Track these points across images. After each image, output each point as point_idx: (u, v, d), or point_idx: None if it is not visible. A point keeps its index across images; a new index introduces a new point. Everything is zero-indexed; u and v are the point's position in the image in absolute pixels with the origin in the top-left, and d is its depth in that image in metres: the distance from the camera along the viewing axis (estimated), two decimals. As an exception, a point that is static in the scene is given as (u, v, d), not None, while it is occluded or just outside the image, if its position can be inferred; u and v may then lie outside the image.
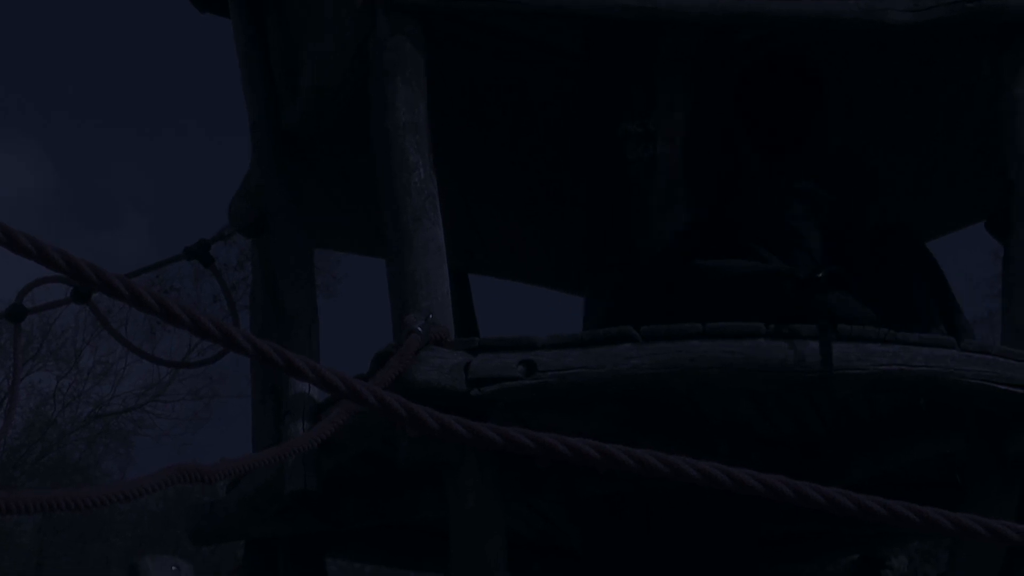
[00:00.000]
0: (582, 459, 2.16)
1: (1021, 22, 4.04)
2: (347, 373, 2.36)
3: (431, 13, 3.94)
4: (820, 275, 3.79)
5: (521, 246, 5.29)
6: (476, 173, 4.97)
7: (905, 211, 4.81)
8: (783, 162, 4.21)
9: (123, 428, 22.17)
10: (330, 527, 4.33)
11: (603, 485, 4.02)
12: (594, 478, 3.97)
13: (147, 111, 33.95)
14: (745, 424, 4.02)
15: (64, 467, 20.96)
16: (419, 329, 3.58)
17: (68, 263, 2.02)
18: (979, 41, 4.19)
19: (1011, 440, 3.78)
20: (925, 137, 4.70)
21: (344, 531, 4.46)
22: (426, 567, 4.75)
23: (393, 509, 4.24)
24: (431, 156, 3.87)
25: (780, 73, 4.27)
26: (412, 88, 3.88)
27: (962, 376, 3.73)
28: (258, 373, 4.53)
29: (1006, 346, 3.85)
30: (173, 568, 4.36)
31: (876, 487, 3.13)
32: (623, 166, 4.37)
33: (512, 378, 3.62)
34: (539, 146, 4.95)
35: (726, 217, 4.17)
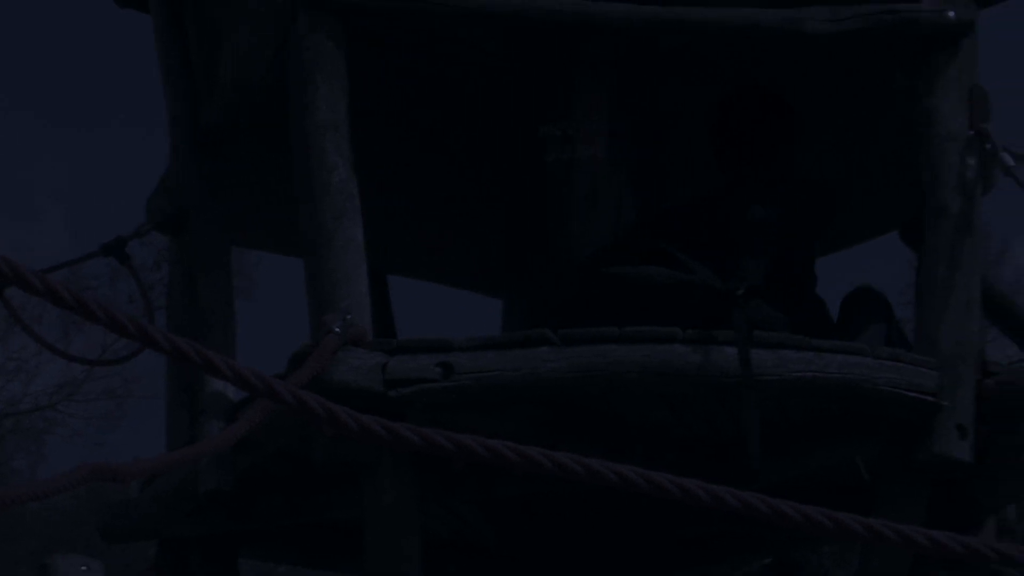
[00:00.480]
0: (500, 461, 2.17)
1: (935, 34, 4.10)
2: (265, 372, 2.35)
3: (352, 11, 3.94)
4: (739, 291, 3.83)
5: (441, 247, 5.29)
6: (396, 173, 4.97)
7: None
8: (744, 182, 4.27)
9: (35, 427, 21.90)
10: (244, 527, 4.31)
11: (520, 486, 4.03)
12: (511, 479, 3.98)
13: (67, 103, 33.59)
14: (661, 427, 4.05)
15: (-27, 465, 20.67)
16: (337, 329, 3.58)
17: (-17, 258, 1.99)
18: (895, 52, 4.24)
19: (920, 446, 3.83)
20: (843, 146, 4.75)
21: (258, 531, 4.44)
22: (341, 567, 4.73)
23: (308, 508, 4.23)
24: (351, 155, 3.86)
25: (758, 102, 4.34)
26: (332, 87, 3.88)
27: (875, 383, 3.78)
28: (173, 372, 4.51)
29: (917, 354, 3.90)
30: (83, 568, 4.32)
31: (790, 490, 3.17)
32: (543, 169, 4.38)
33: (429, 380, 3.63)
34: (460, 147, 4.96)
35: (665, 226, 4.25)
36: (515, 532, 4.34)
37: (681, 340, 3.69)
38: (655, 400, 3.90)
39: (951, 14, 4.07)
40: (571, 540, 4.23)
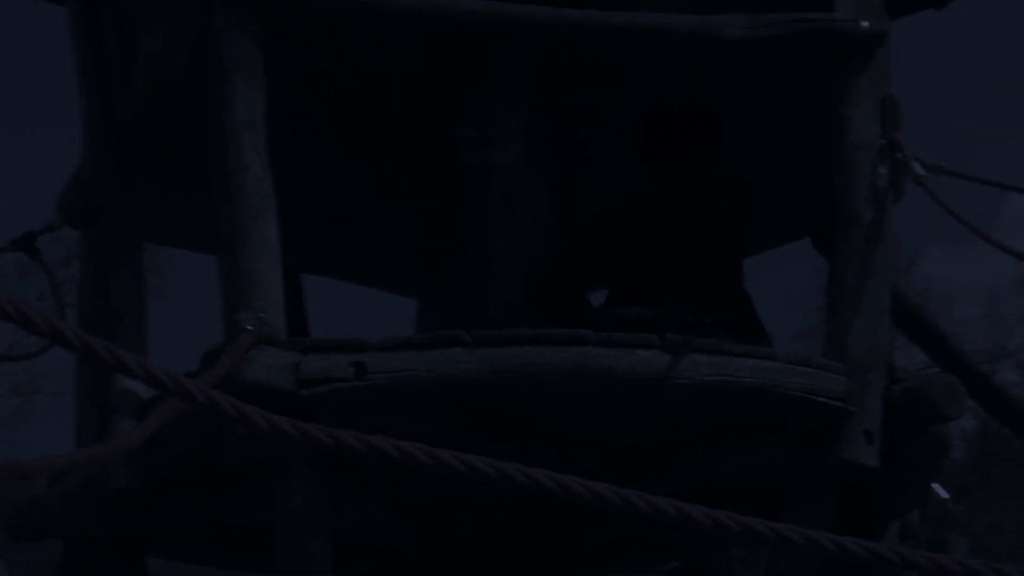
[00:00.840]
0: (412, 463, 2.17)
1: (851, 43, 4.15)
2: (177, 371, 2.34)
3: (270, 8, 3.92)
4: (707, 320, 3.87)
5: (356, 247, 5.28)
6: (312, 172, 4.95)
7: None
8: (672, 185, 4.32)
9: (-61, 423, 21.56)
10: (153, 526, 4.28)
11: (433, 487, 4.04)
12: (423, 480, 3.98)
13: (-26, 97, 33.09)
14: (574, 429, 4.07)
15: None
16: (250, 328, 3.56)
17: None
18: (809, 61, 4.29)
19: (828, 451, 3.87)
20: (757, 153, 4.80)
21: (167, 530, 4.41)
22: (251, 568, 4.71)
23: (219, 508, 4.20)
24: (268, 154, 3.85)
25: (685, 111, 4.41)
26: (250, 85, 3.86)
27: (785, 388, 3.82)
28: (83, 370, 4.46)
29: (826, 359, 3.94)
30: (-15, 567, 4.27)
31: (700, 493, 3.19)
32: (460, 171, 4.39)
33: (342, 379, 3.62)
34: (377, 147, 4.95)
35: (599, 231, 4.29)
36: (427, 533, 4.34)
37: (594, 343, 3.71)
38: (568, 402, 3.92)
39: (865, 24, 4.12)
40: (483, 541, 4.24)
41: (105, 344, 2.15)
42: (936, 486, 4.38)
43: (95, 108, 4.47)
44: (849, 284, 4.00)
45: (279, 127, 3.94)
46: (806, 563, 3.91)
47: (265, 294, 3.71)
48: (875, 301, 4.00)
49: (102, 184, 4.40)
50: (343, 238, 5.27)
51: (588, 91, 4.69)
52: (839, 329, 3.98)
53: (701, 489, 3.93)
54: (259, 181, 3.81)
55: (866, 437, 3.86)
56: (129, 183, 4.41)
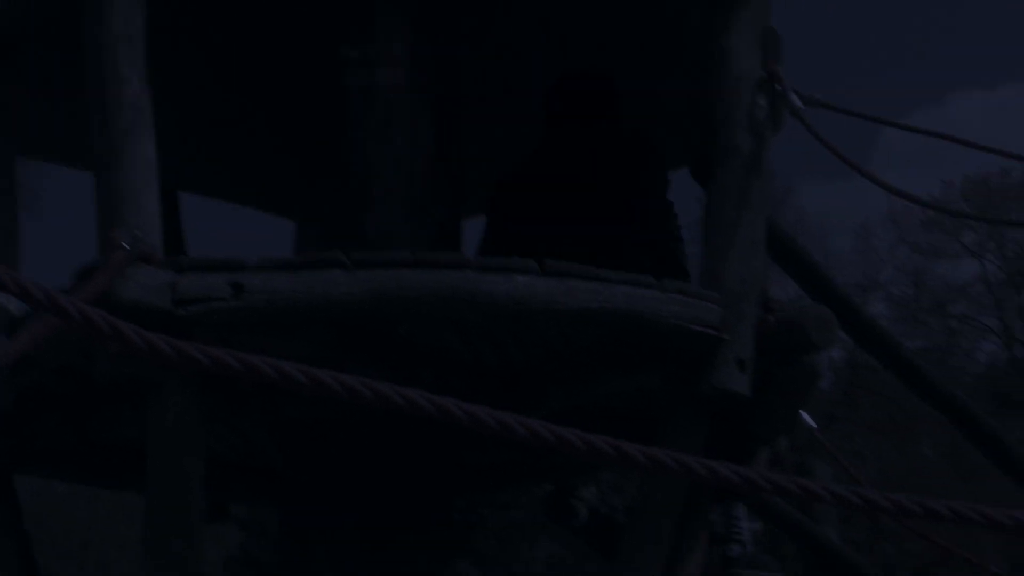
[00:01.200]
0: (289, 383, 2.17)
1: (732, -25, 4.17)
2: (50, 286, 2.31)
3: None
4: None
5: (234, 167, 5.23)
6: (191, 90, 4.88)
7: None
8: (575, 141, 4.38)
9: None
10: (24, 444, 4.23)
11: (307, 409, 4.03)
12: (299, 401, 3.98)
13: None
14: (451, 354, 4.08)
15: None
16: (126, 245, 3.52)
17: None
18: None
19: (701, 379, 3.92)
20: (634, 83, 4.81)
21: (37, 449, 4.36)
22: (123, 486, 4.68)
23: (91, 427, 4.17)
24: (145, 70, 3.79)
25: (584, 83, 4.53)
26: (129, -2, 3.79)
27: (660, 315, 3.85)
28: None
29: (701, 288, 3.99)
30: None
31: (574, 419, 3.23)
32: (341, 92, 4.35)
33: (219, 299, 3.59)
34: (257, 66, 4.90)
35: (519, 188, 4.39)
36: (302, 455, 4.34)
37: (473, 267, 3.71)
38: (445, 326, 3.92)
39: (747, -45, 4.14)
40: (358, 464, 4.25)
41: (-23, 258, 2.12)
42: (804, 414, 4.46)
43: (-33, 17, 4.36)
44: (726, 215, 4.04)
45: (158, 44, 3.87)
46: (676, 488, 3.97)
47: (141, 212, 3.66)
48: (751, 232, 4.05)
49: (-26, 95, 4.31)
50: (222, 157, 5.22)
51: (472, 14, 4.67)
52: (715, 259, 4.03)
53: (575, 415, 3.97)
54: (135, 96, 3.74)
55: (739, 365, 3.92)
56: (2, 95, 4.31)
